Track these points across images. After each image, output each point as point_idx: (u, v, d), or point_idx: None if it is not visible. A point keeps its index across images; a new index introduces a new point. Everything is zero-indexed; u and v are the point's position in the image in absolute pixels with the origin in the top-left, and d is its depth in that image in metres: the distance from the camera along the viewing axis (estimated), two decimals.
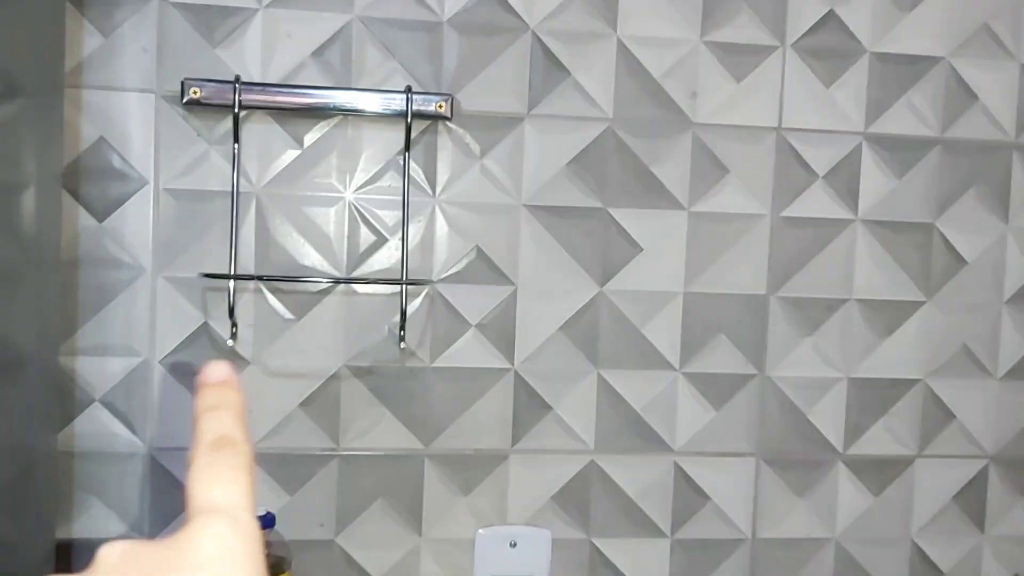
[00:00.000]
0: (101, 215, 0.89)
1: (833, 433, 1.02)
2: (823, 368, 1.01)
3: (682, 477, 1.00)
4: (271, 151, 0.91)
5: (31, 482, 0.72)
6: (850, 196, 1.00)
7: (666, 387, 0.98)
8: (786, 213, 0.99)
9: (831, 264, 1.00)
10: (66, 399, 0.89)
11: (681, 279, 0.98)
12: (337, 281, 0.92)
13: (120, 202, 0.89)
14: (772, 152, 0.98)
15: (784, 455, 1.01)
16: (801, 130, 0.99)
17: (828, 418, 1.01)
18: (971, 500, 1.05)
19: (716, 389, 0.99)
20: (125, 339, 0.90)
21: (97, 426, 0.90)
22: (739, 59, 0.97)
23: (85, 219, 0.88)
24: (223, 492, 0.29)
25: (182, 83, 0.87)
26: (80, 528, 0.90)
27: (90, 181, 0.88)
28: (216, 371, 0.35)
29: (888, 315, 1.01)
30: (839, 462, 1.02)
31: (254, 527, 0.29)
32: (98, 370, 0.89)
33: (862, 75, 0.99)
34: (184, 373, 0.90)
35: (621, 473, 0.98)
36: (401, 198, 0.92)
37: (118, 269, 0.89)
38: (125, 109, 0.88)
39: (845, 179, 1.00)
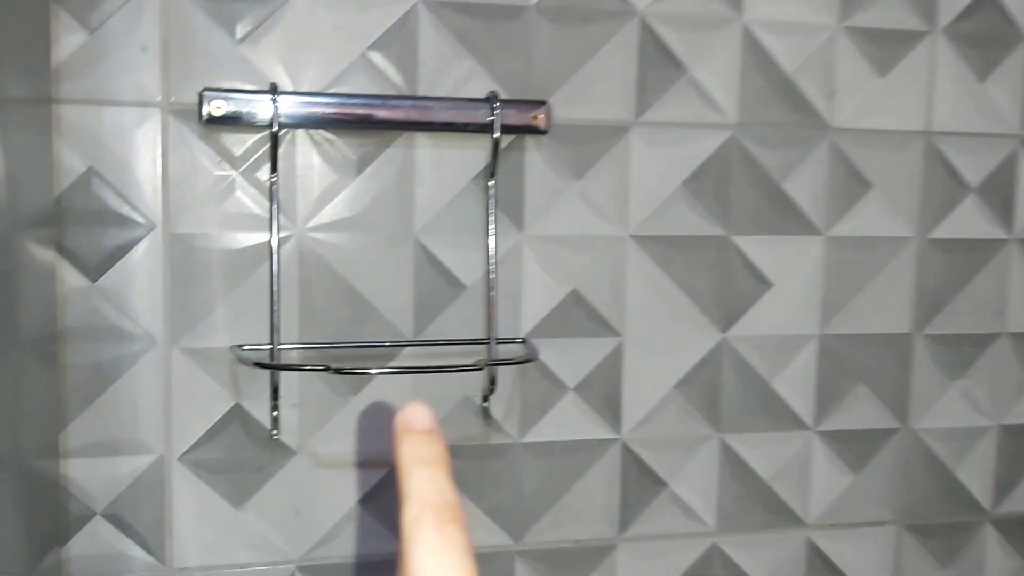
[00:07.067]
0: (95, 273, 0.67)
1: (980, 490, 0.86)
2: (972, 416, 0.85)
3: (815, 554, 0.83)
4: (316, 182, 0.70)
5: None
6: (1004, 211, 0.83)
7: (798, 450, 0.81)
8: (934, 235, 0.82)
9: (982, 293, 0.84)
10: (59, 514, 0.68)
11: (817, 319, 0.80)
12: (406, 344, 0.72)
13: (119, 255, 0.67)
14: (920, 161, 0.81)
15: (928, 519, 0.86)
16: (953, 133, 0.81)
17: (976, 473, 0.86)
18: None
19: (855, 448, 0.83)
20: (132, 432, 0.68)
21: (102, 546, 0.69)
22: (883, 48, 0.79)
23: (74, 279, 0.66)
24: None
25: (200, 94, 0.65)
26: None
27: (78, 228, 0.66)
28: (420, 415, 0.31)
29: None
30: (987, 523, 0.87)
31: None
32: (98, 474, 0.68)
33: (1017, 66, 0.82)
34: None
35: (746, 556, 0.82)
36: (485, 235, 0.72)
37: (120, 342, 0.68)
38: (121, 130, 0.66)
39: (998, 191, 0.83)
